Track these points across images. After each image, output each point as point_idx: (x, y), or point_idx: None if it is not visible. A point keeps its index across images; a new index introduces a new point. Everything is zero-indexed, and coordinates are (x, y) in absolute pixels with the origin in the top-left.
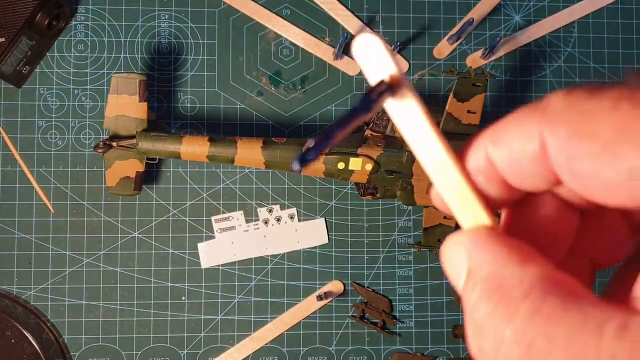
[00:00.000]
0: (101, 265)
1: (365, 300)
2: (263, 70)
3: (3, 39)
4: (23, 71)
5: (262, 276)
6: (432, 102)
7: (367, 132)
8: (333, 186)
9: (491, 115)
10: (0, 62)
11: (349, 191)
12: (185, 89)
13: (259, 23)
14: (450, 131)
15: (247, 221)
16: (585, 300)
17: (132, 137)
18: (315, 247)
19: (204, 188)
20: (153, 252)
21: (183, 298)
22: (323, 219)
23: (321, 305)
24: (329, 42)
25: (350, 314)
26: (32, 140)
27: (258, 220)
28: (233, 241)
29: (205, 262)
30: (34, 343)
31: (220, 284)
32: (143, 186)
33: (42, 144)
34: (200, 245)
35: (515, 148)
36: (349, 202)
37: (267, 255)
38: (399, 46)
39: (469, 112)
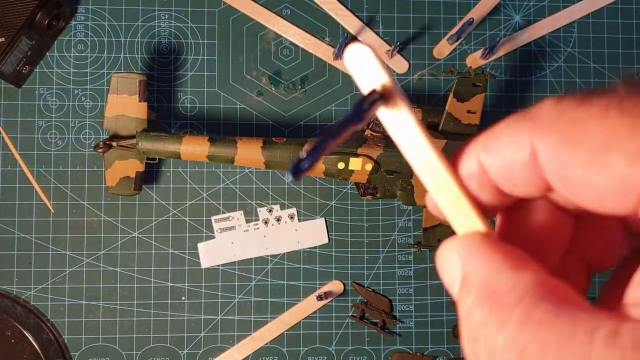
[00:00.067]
0: (101, 265)
1: (365, 300)
2: (263, 70)
3: (3, 39)
4: (23, 71)
5: (262, 276)
6: (432, 102)
7: (367, 132)
8: (333, 186)
9: (491, 115)
10: (0, 62)
11: (349, 191)
12: (185, 89)
13: (259, 23)
14: (450, 131)
15: (247, 221)
16: (577, 306)
17: (132, 137)
18: (315, 247)
19: (204, 188)
20: (153, 252)
21: (183, 298)
22: (323, 219)
23: (321, 305)
24: (329, 42)
25: (350, 314)
26: (32, 140)
27: (258, 220)
28: (233, 241)
29: (205, 262)
30: (34, 343)
31: (220, 284)
32: (143, 186)
33: (42, 144)
34: (200, 245)
35: (506, 155)
36: (349, 202)
37: (267, 255)
38: (399, 46)
39: (469, 112)
